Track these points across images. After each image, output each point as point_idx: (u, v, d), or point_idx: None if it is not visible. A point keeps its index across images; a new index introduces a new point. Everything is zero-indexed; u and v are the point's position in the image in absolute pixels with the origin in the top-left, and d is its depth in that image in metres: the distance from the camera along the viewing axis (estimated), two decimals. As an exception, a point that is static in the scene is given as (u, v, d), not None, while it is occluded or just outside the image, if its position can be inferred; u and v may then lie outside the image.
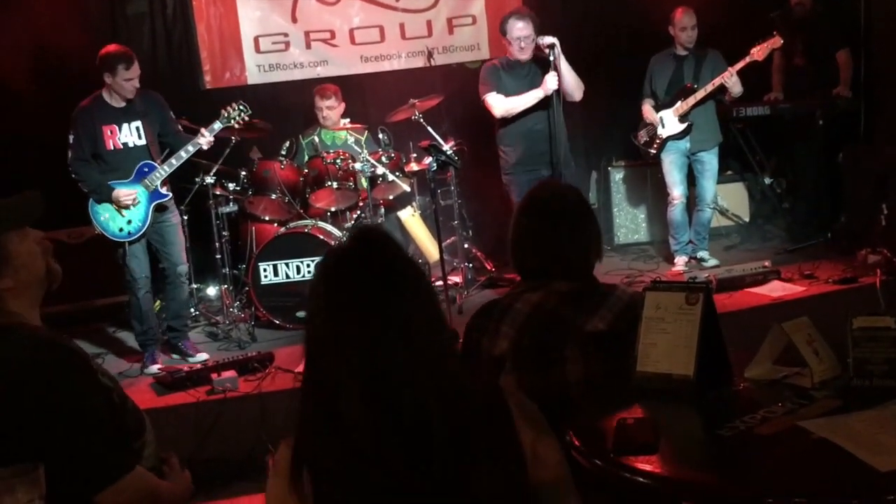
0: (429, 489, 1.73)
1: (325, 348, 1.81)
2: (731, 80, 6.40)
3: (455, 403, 1.76)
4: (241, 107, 5.90)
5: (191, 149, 5.61)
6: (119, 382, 2.46)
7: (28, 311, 2.34)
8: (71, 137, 5.48)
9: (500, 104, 6.01)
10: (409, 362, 1.74)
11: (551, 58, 5.78)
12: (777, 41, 6.39)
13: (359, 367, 1.74)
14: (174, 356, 5.90)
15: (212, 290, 6.99)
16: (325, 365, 1.80)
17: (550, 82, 5.81)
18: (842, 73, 7.08)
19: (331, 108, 6.95)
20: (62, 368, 2.23)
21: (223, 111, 5.86)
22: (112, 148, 5.53)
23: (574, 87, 5.96)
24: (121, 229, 5.57)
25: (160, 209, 5.68)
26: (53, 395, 2.17)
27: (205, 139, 5.63)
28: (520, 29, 5.92)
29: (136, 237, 5.59)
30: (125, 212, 5.54)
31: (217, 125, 5.76)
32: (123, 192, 5.48)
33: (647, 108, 6.83)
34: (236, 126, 5.96)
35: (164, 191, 5.63)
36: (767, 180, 7.70)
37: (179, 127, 5.83)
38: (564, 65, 5.85)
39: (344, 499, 1.75)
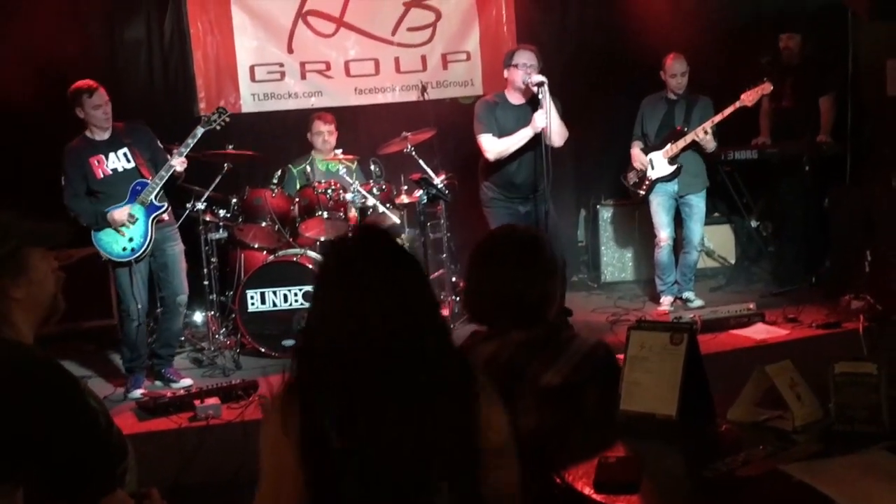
0: (400, 424, 1.96)
1: (331, 308, 2.05)
2: (703, 136, 6.49)
3: (438, 361, 2.02)
4: (221, 110, 6.01)
5: (170, 166, 5.65)
6: (105, 406, 2.47)
7: (27, 330, 2.37)
8: (62, 178, 5.60)
9: (494, 147, 6.06)
10: (406, 323, 2.00)
11: (540, 96, 5.83)
12: (767, 87, 6.49)
13: (359, 323, 1.98)
14: (157, 382, 5.88)
15: (198, 317, 6.97)
16: (328, 322, 2.04)
17: (539, 120, 5.86)
18: (823, 120, 7.19)
19: (331, 134, 7.04)
20: (52, 387, 2.23)
21: (203, 117, 5.96)
22: (102, 176, 5.60)
23: (557, 132, 5.98)
24: (124, 248, 5.61)
25: (164, 237, 5.75)
26: (42, 414, 2.18)
27: (177, 160, 5.68)
28: (528, 57, 6.01)
29: (140, 253, 5.62)
30: (125, 231, 5.57)
31: (199, 130, 5.81)
32: (118, 212, 5.53)
33: (637, 150, 6.90)
34: (218, 128, 5.99)
35: (158, 203, 5.66)
36: (754, 223, 7.76)
37: (168, 156, 5.85)
38: (553, 111, 5.90)
39: (327, 430, 1.96)
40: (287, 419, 1.99)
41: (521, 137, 5.99)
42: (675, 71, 6.69)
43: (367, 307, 1.99)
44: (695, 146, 6.67)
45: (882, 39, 7.06)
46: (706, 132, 6.51)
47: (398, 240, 6.41)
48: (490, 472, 2.02)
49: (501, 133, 6.07)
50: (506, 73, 6.14)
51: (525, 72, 5.97)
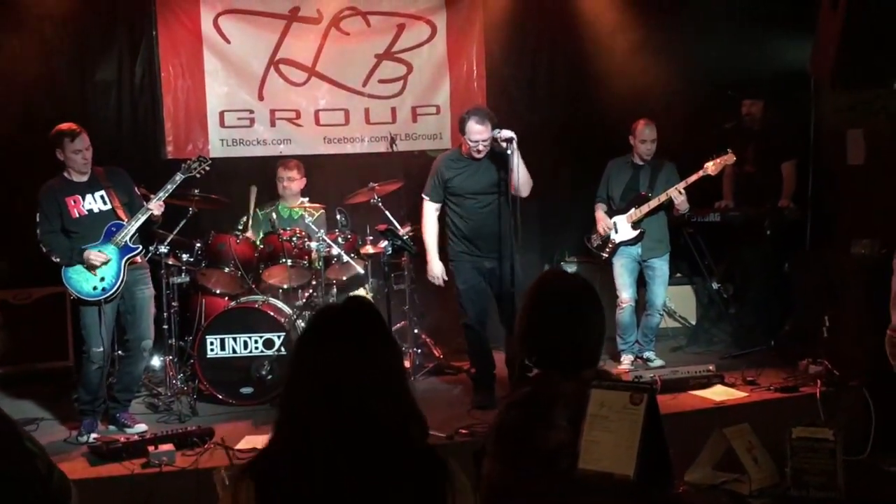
0: None
1: (305, 379, 2.03)
2: (678, 197, 6.58)
3: (400, 456, 1.98)
4: (202, 159, 6.01)
5: (147, 209, 5.63)
6: (45, 450, 2.43)
7: None
8: (38, 215, 5.59)
9: (425, 219, 6.27)
10: (376, 403, 1.97)
11: (508, 151, 5.84)
12: (730, 158, 6.61)
13: (331, 401, 1.96)
14: (111, 427, 5.78)
15: (156, 361, 6.87)
16: (302, 395, 2.01)
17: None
18: (785, 186, 7.31)
19: (291, 180, 7.02)
20: None
21: (183, 164, 5.95)
22: (77, 215, 5.59)
23: (524, 182, 5.99)
24: (95, 287, 5.56)
25: (135, 280, 5.72)
26: None
27: (154, 203, 5.66)
28: (478, 132, 5.92)
29: (110, 293, 5.57)
30: (97, 270, 5.53)
31: (178, 177, 5.81)
32: (94, 253, 5.52)
33: (601, 214, 6.97)
34: (197, 176, 5.98)
35: (133, 245, 5.63)
36: (715, 285, 7.83)
37: (144, 202, 5.82)
38: (519, 162, 5.90)
39: None
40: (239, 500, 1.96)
41: (430, 249, 6.26)
42: (646, 137, 6.78)
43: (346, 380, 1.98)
44: (661, 210, 6.75)
45: (844, 109, 7.22)
46: (681, 192, 6.58)
47: (362, 289, 6.41)
48: None
49: (461, 186, 6.09)
50: (461, 135, 6.14)
51: (476, 150, 5.96)
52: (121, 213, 5.68)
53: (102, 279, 5.56)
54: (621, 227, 6.84)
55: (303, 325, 6.12)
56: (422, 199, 6.26)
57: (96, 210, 5.64)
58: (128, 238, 5.60)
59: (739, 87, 7.55)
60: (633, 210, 6.78)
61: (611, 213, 6.92)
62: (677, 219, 6.98)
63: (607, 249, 6.91)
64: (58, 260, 5.55)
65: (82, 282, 5.55)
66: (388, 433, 1.98)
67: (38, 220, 5.58)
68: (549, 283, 2.86)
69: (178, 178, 5.81)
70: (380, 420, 1.97)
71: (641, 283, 7.03)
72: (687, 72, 7.70)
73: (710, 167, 6.58)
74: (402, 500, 1.95)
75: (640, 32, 7.90)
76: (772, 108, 7.48)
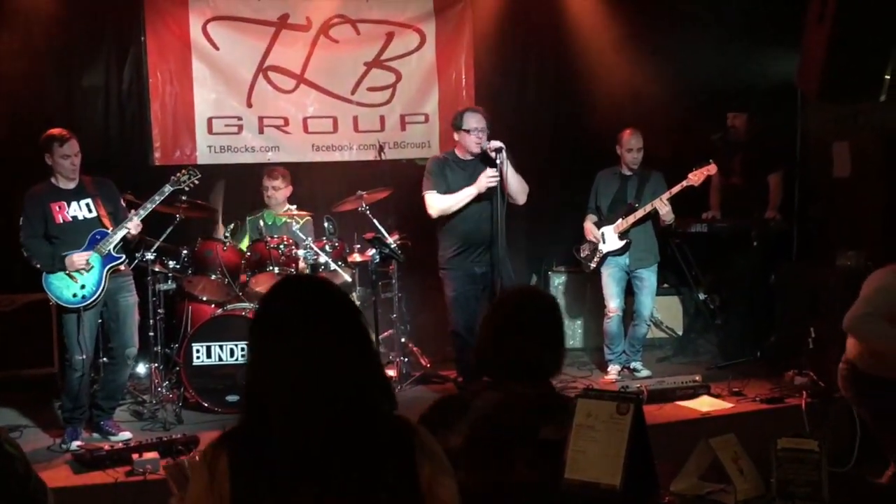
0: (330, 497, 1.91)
1: (268, 359, 2.01)
2: (663, 208, 6.60)
3: (368, 426, 1.98)
4: (191, 171, 5.99)
5: (121, 230, 5.62)
6: (24, 454, 2.42)
7: None
8: (21, 219, 5.57)
9: (437, 203, 6.07)
10: (340, 379, 1.97)
11: (498, 161, 5.86)
12: (712, 168, 6.62)
13: (295, 378, 1.95)
14: (95, 434, 5.75)
15: (141, 368, 6.84)
16: (264, 374, 2.00)
17: (483, 181, 5.89)
18: (771, 197, 7.36)
19: (276, 189, 6.99)
20: None
21: (173, 176, 5.92)
22: (61, 221, 5.57)
23: (519, 190, 6.04)
24: (74, 294, 5.52)
25: (118, 288, 5.69)
26: None
27: (133, 223, 5.64)
28: (477, 121, 6.02)
29: (90, 301, 5.54)
30: (78, 277, 5.50)
31: (167, 189, 5.79)
32: (76, 256, 5.49)
33: (589, 224, 6.99)
34: (187, 189, 5.97)
35: (116, 254, 5.62)
36: (702, 296, 7.85)
37: (128, 213, 5.80)
38: (510, 169, 5.93)
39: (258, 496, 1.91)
40: (214, 476, 1.95)
41: (465, 196, 6.00)
42: (632, 146, 6.81)
43: (308, 357, 1.97)
44: (647, 220, 6.77)
45: (829, 121, 7.27)
46: (665, 203, 6.60)
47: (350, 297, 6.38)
48: None
49: (452, 191, 6.09)
50: (456, 136, 6.16)
51: (477, 137, 6.00)
52: (106, 221, 5.66)
53: (83, 286, 5.53)
54: (609, 238, 6.86)
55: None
56: (423, 194, 6.16)
57: (81, 217, 5.62)
58: (111, 247, 5.58)
59: (727, 99, 7.60)
60: (620, 220, 6.79)
61: (599, 224, 6.94)
62: (664, 229, 7.00)
63: (595, 259, 6.93)
64: (38, 265, 5.52)
65: (63, 288, 5.52)
66: (357, 403, 1.97)
67: (21, 223, 5.56)
68: (508, 300, 2.93)
69: (167, 189, 5.79)
70: (348, 391, 1.97)
71: (629, 293, 7.04)
72: (675, 83, 7.73)
73: (694, 177, 6.60)
74: (375, 468, 1.95)
75: (629, 43, 7.93)
76: (757, 121, 7.53)
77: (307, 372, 1.95)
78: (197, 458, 3.07)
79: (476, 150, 6.03)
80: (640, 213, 6.70)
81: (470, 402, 2.65)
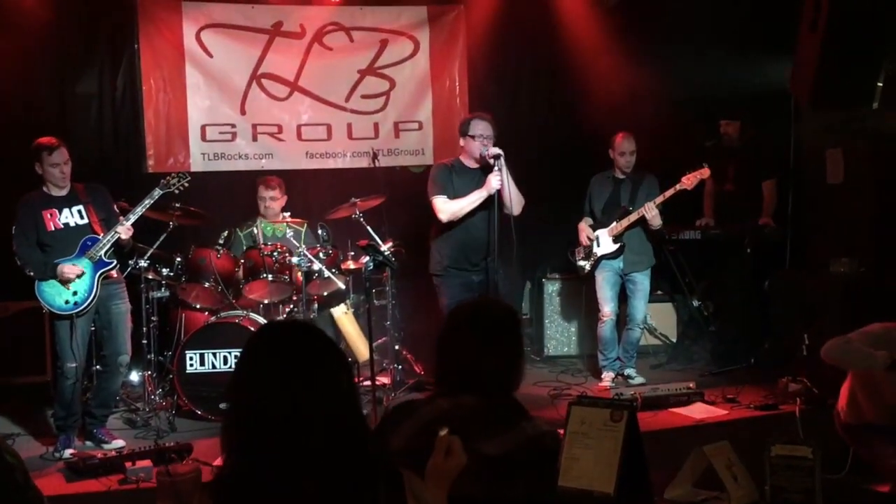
0: None
1: (252, 396, 2.00)
2: (650, 212, 6.61)
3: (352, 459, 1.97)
4: (181, 174, 5.99)
5: (112, 235, 5.60)
6: (24, 463, 2.41)
7: None
8: (13, 228, 5.57)
9: (447, 208, 6.05)
10: (320, 416, 1.96)
11: (496, 168, 5.89)
12: (705, 172, 6.63)
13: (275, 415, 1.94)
14: (88, 443, 5.73)
15: (135, 376, 6.82)
16: (246, 416, 2.00)
17: (493, 182, 5.89)
18: (765, 204, 7.37)
19: (273, 199, 6.99)
20: None
21: (162, 179, 5.92)
22: (53, 228, 5.57)
23: (515, 200, 6.03)
24: (66, 301, 5.51)
25: (110, 295, 5.68)
26: None
27: (123, 227, 5.62)
28: (484, 128, 6.05)
29: (82, 308, 5.53)
30: (70, 284, 5.50)
31: (157, 192, 5.78)
32: (68, 266, 5.48)
33: (584, 227, 7.00)
34: (176, 192, 5.96)
35: (107, 259, 5.61)
36: (696, 303, 7.86)
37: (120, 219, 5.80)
38: (508, 177, 5.95)
39: None
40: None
41: (475, 199, 6.00)
42: (624, 149, 6.82)
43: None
44: (641, 224, 6.77)
45: (823, 128, 7.28)
46: (653, 207, 6.61)
47: (343, 305, 6.38)
48: None
49: (459, 194, 6.07)
50: (461, 142, 6.18)
51: (482, 143, 6.02)
52: (98, 228, 5.65)
53: (75, 293, 5.52)
54: (603, 241, 6.87)
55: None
56: (431, 200, 6.11)
57: (73, 224, 5.61)
58: (102, 253, 5.57)
59: (720, 105, 7.62)
60: (614, 223, 6.80)
61: (594, 227, 6.95)
62: (658, 235, 7.00)
63: (590, 263, 6.93)
64: (31, 273, 5.52)
65: (55, 295, 5.51)
66: (343, 449, 1.97)
67: (13, 232, 5.56)
68: (463, 310, 2.87)
69: (157, 193, 5.78)
70: (332, 437, 1.96)
71: (623, 298, 7.05)
72: (668, 89, 7.74)
73: (687, 181, 6.62)
74: None
75: (622, 50, 7.95)
76: (750, 128, 7.54)
77: (286, 421, 1.95)
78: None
79: (477, 155, 6.05)
80: (633, 217, 6.71)
81: (420, 407, 2.62)
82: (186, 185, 5.98)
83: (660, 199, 6.63)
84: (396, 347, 7.04)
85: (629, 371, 7.01)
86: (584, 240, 6.97)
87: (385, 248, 6.50)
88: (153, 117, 7.60)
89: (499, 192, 5.89)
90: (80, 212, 5.65)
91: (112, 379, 5.83)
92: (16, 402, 6.57)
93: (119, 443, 5.68)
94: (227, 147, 7.79)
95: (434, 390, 2.71)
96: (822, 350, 4.50)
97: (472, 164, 6.16)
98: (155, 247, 6.21)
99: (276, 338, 2.11)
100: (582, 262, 7.00)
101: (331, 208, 6.94)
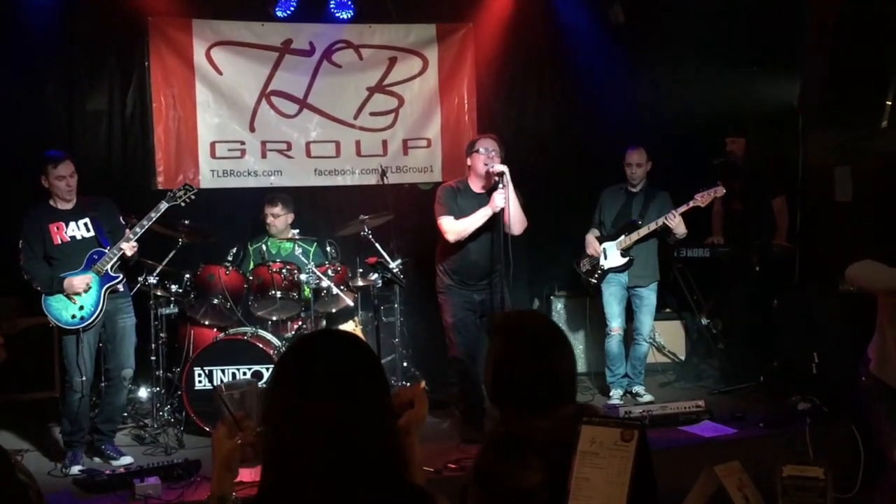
0: None
1: (291, 414, 1.93)
2: (674, 221, 6.62)
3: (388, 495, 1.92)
4: (187, 187, 6.01)
5: (117, 251, 5.62)
6: (36, 481, 2.41)
7: None
8: (20, 242, 5.59)
9: (453, 227, 6.06)
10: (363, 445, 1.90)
11: (500, 185, 5.89)
12: (720, 190, 6.67)
13: (317, 441, 1.89)
14: (96, 459, 5.73)
15: (143, 392, 6.83)
16: (288, 429, 1.92)
17: (498, 200, 5.90)
18: (778, 222, 7.36)
19: (276, 217, 7.01)
20: None
21: (168, 192, 5.94)
22: (59, 242, 5.59)
23: (517, 220, 6.04)
24: (73, 316, 5.54)
25: (116, 309, 5.72)
26: None
27: (127, 245, 5.65)
28: (490, 143, 6.08)
29: (88, 322, 5.56)
30: (77, 298, 5.51)
31: (163, 205, 5.80)
32: (76, 280, 5.51)
33: (592, 238, 7.01)
34: (182, 205, 5.97)
35: (114, 273, 5.63)
36: (704, 320, 7.84)
37: (127, 232, 5.81)
38: (512, 196, 5.96)
39: None
40: None
41: (480, 217, 6.00)
42: (631, 161, 6.87)
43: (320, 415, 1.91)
44: (651, 238, 6.78)
45: (831, 146, 7.27)
46: (675, 216, 6.62)
47: (352, 322, 6.37)
48: None
49: (463, 214, 6.08)
50: (468, 161, 6.19)
51: (487, 157, 6.02)
52: (104, 241, 5.67)
53: (81, 307, 5.55)
54: (611, 254, 6.87)
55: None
56: (437, 220, 6.12)
57: (79, 237, 5.64)
58: (108, 267, 5.59)
59: (728, 123, 7.62)
60: (623, 237, 6.81)
61: (602, 240, 6.95)
62: (667, 252, 6.99)
63: (596, 275, 6.93)
64: (38, 288, 5.54)
65: (62, 310, 5.53)
66: (376, 470, 1.92)
67: (20, 247, 5.59)
68: (519, 322, 2.82)
69: (163, 206, 5.80)
70: (367, 457, 1.91)
71: (631, 315, 7.04)
72: (675, 106, 7.76)
73: (701, 198, 6.64)
74: None
75: (630, 68, 7.97)
76: (757, 145, 7.54)
77: (330, 436, 1.89)
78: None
79: (482, 170, 6.05)
80: (643, 231, 6.73)
81: (529, 436, 2.54)
82: (193, 197, 6.00)
83: (678, 211, 6.65)
84: (405, 364, 7.04)
85: (637, 388, 6.99)
86: (591, 251, 6.97)
87: (393, 265, 6.52)
88: (163, 134, 7.63)
89: (502, 210, 5.90)
90: (86, 224, 5.67)
91: (116, 393, 5.83)
92: (24, 418, 6.57)
93: (127, 459, 5.69)
94: (236, 164, 7.80)
95: (510, 415, 2.66)
96: (847, 271, 4.42)
97: (478, 188, 6.17)
98: (164, 263, 6.24)
99: (325, 347, 2.05)
100: (587, 273, 7.00)
101: (339, 225, 6.95)
